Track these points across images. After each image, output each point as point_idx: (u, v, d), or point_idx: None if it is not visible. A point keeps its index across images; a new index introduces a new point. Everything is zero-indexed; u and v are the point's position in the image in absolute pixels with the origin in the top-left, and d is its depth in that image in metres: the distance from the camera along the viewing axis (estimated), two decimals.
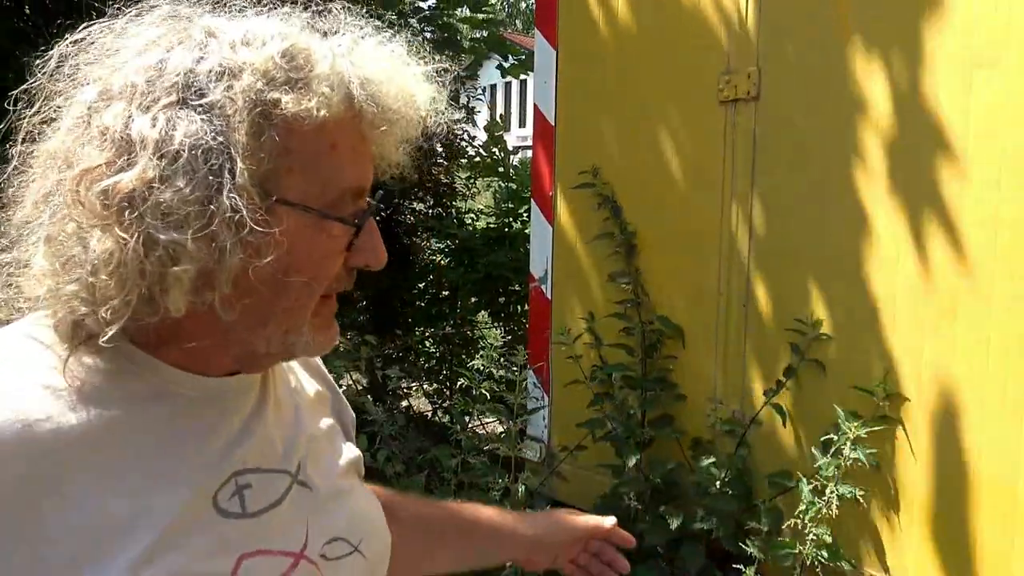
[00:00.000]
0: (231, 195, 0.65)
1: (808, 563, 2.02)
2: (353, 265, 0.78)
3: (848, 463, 1.97)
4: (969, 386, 2.11)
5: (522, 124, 25.22)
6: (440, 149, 5.88)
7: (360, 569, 0.86)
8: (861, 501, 1.97)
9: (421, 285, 5.55)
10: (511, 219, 5.22)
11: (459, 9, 5.48)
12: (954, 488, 2.14)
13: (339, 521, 0.85)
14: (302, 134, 0.69)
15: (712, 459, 2.56)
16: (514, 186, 5.34)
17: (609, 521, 1.14)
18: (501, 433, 2.93)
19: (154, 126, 0.65)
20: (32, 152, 0.73)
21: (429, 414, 5.00)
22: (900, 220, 2.26)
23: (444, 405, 4.78)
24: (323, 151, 0.72)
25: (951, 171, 2.15)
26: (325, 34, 0.75)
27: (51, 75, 0.73)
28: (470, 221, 5.74)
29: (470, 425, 2.55)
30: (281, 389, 0.87)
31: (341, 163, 0.73)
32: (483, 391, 2.35)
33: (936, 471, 2.17)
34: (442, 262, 5.53)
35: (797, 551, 2.03)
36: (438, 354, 5.35)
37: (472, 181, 5.98)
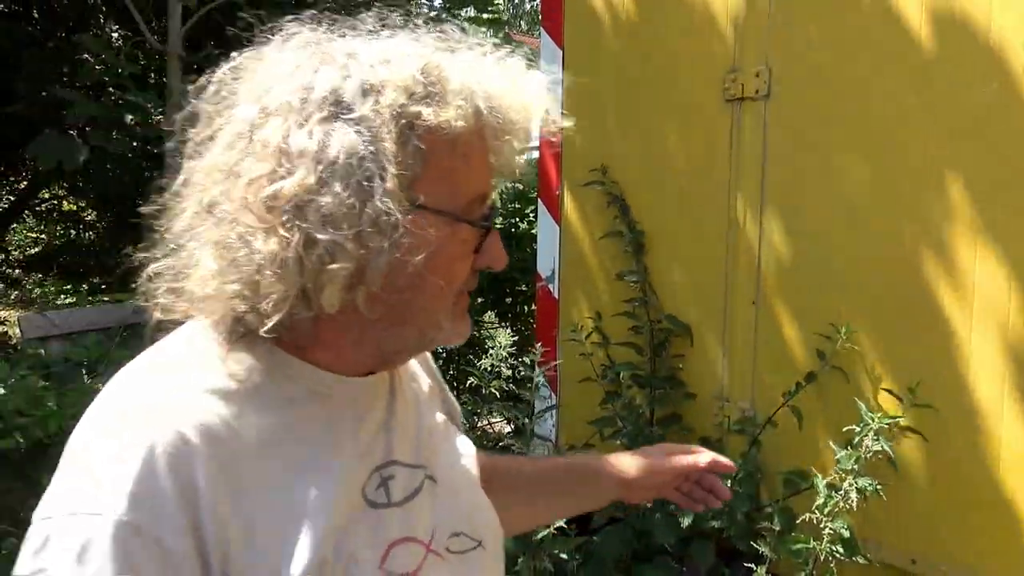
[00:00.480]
0: (383, 199, 0.72)
1: (823, 558, 2.01)
2: (478, 267, 0.84)
3: (868, 455, 1.96)
4: (992, 391, 2.11)
5: None
6: None
7: (486, 563, 0.91)
8: (880, 494, 1.96)
9: None
10: (517, 219, 5.21)
11: (464, 9, 5.48)
12: (975, 488, 2.14)
13: (461, 516, 0.91)
14: (439, 144, 0.77)
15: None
16: (520, 186, 5.34)
17: (704, 459, 1.17)
18: (508, 433, 2.93)
19: (311, 138, 0.73)
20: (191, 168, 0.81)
21: None
22: (919, 219, 2.25)
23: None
24: (456, 160, 0.78)
25: (975, 169, 2.14)
26: (452, 51, 0.82)
27: (210, 99, 0.81)
28: None
29: (479, 424, 2.55)
30: (406, 385, 0.94)
31: (470, 171, 0.80)
32: (492, 390, 2.35)
33: (957, 471, 2.18)
34: None
35: (811, 546, 2.03)
36: (445, 355, 5.36)
37: None
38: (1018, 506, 2.08)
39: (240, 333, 0.78)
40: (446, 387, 1.08)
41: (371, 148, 0.73)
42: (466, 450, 0.99)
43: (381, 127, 0.73)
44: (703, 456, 1.18)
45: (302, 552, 0.73)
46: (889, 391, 2.10)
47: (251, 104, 0.77)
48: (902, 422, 2.05)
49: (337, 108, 0.74)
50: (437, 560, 0.85)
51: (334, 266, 0.72)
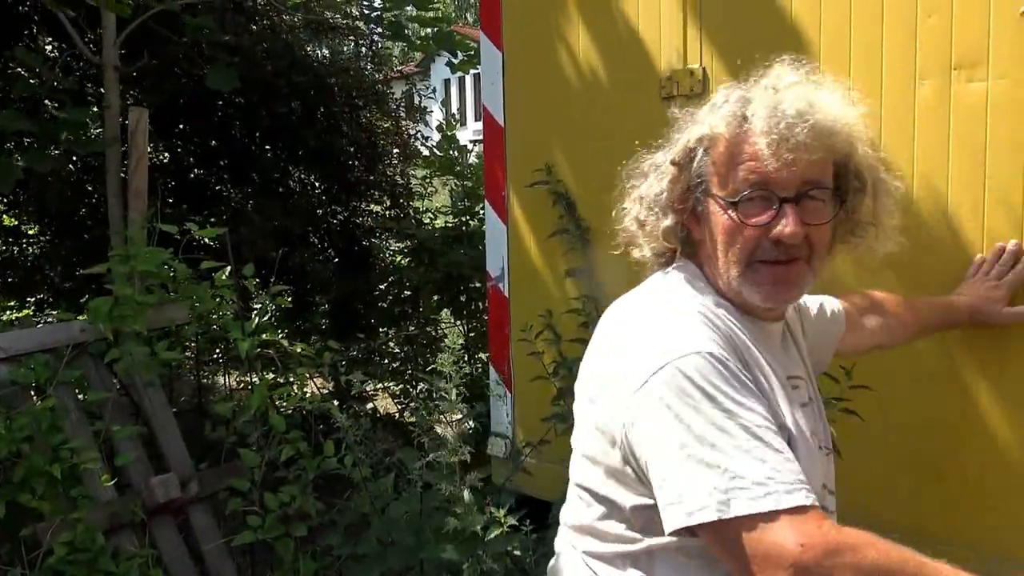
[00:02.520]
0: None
1: None
2: (770, 237, 1.22)
3: None
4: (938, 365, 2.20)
5: (477, 118, 25.19)
6: (395, 150, 5.89)
7: (833, 465, 1.44)
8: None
9: (382, 286, 5.56)
10: (468, 217, 5.25)
11: (407, 8, 5.48)
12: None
13: (825, 429, 1.44)
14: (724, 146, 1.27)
15: None
16: (470, 184, 5.37)
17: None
18: (469, 430, 2.97)
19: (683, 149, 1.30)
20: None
21: (396, 415, 5.03)
22: None
23: (411, 405, 4.81)
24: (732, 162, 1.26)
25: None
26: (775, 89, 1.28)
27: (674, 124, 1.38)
28: (428, 220, 5.76)
29: (436, 426, 2.58)
30: (795, 337, 1.48)
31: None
32: (443, 393, 2.39)
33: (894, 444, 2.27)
34: (402, 262, 5.55)
35: None
36: (402, 354, 5.38)
37: (428, 180, 6.00)
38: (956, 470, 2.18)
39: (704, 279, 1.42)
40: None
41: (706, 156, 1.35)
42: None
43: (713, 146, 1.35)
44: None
45: (786, 415, 1.25)
46: (826, 373, 2.18)
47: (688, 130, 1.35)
48: (841, 404, 2.12)
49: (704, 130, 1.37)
50: (822, 453, 1.35)
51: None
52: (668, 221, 1.30)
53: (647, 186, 1.33)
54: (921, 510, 2.23)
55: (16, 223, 7.79)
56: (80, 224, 6.57)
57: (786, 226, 1.17)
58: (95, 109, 4.54)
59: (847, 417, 2.13)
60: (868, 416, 2.17)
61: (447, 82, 24.76)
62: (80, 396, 3.09)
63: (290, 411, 3.43)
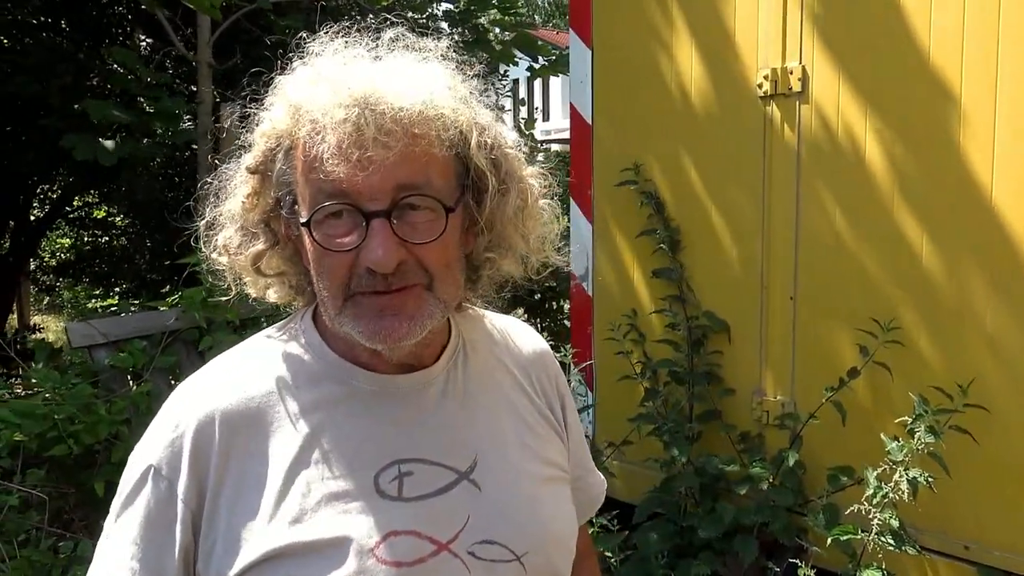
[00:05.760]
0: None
1: (870, 549, 2.03)
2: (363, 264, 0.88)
3: (920, 447, 1.97)
4: None
5: (545, 118, 25.16)
6: None
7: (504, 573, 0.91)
8: (931, 487, 1.97)
9: None
10: None
11: (488, 12, 5.51)
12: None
13: (504, 527, 0.93)
14: None
15: (762, 455, 2.59)
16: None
17: None
18: None
19: None
20: None
21: None
22: (961, 213, 2.26)
23: None
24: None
25: (1016, 163, 2.15)
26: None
27: None
28: None
29: None
30: (478, 388, 1.00)
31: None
32: None
33: (1008, 459, 2.19)
34: None
35: (859, 537, 2.04)
36: None
37: None
38: None
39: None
40: (575, 413, 1.13)
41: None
42: (555, 473, 1.02)
43: None
44: None
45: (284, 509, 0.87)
46: (939, 389, 2.11)
47: None
48: (955, 417, 2.05)
49: None
50: (453, 561, 0.88)
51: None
52: (259, 245, 0.96)
53: (233, 200, 0.97)
54: None
55: (105, 214, 8.13)
56: (167, 215, 6.81)
57: (373, 250, 0.84)
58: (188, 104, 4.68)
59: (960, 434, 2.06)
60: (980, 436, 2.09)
61: (516, 82, 24.81)
62: (172, 382, 3.19)
63: None
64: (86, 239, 8.39)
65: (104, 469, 2.79)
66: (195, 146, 4.73)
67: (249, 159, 0.95)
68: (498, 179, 0.93)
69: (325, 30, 0.95)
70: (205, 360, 3.35)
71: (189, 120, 4.86)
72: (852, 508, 2.10)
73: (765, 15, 2.64)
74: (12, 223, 6.62)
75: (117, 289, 7.53)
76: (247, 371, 0.94)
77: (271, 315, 3.32)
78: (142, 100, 4.79)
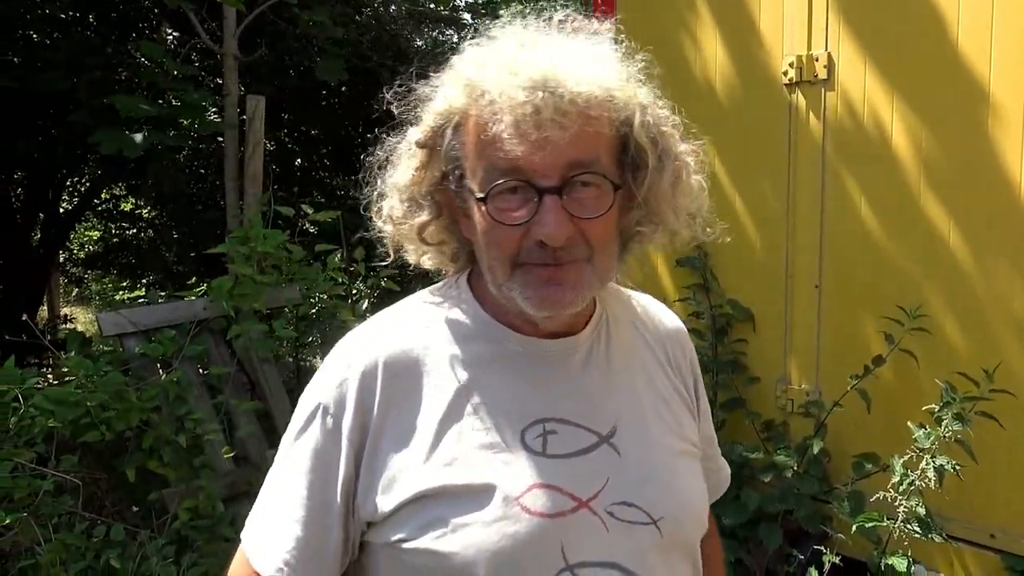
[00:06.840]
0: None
1: (895, 536, 2.03)
2: (533, 238, 0.92)
3: (947, 434, 1.97)
4: None
5: None
6: None
7: (653, 543, 0.95)
8: (958, 474, 1.97)
9: None
10: None
11: (511, 3, 5.50)
12: None
13: (642, 491, 0.97)
14: None
15: (787, 442, 2.58)
16: None
17: None
18: None
19: None
20: None
21: None
22: (989, 200, 2.24)
23: None
24: None
25: None
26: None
27: None
28: None
29: None
30: (620, 359, 1.04)
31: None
32: None
33: None
34: None
35: (885, 524, 2.04)
36: None
37: None
38: None
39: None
40: (702, 387, 1.16)
41: None
42: (689, 445, 1.05)
43: None
44: None
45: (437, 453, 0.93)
46: (964, 375, 2.10)
47: None
48: (980, 404, 2.04)
49: None
50: (591, 518, 0.93)
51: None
52: (424, 215, 1.02)
53: (400, 173, 1.03)
54: None
55: (132, 207, 8.23)
56: (192, 207, 6.89)
57: (546, 225, 0.89)
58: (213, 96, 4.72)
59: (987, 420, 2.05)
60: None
61: None
62: (201, 370, 3.24)
63: None
64: (114, 231, 8.50)
65: (135, 455, 2.84)
66: (221, 138, 4.78)
67: (418, 134, 1.00)
68: (656, 156, 0.97)
69: (505, 11, 0.99)
70: (233, 348, 3.37)
71: (215, 113, 4.91)
72: (877, 495, 2.09)
73: (791, 1, 2.62)
74: (42, 216, 6.73)
75: (144, 280, 7.63)
76: (409, 325, 1.01)
77: (298, 304, 3.37)
78: (169, 93, 4.85)
